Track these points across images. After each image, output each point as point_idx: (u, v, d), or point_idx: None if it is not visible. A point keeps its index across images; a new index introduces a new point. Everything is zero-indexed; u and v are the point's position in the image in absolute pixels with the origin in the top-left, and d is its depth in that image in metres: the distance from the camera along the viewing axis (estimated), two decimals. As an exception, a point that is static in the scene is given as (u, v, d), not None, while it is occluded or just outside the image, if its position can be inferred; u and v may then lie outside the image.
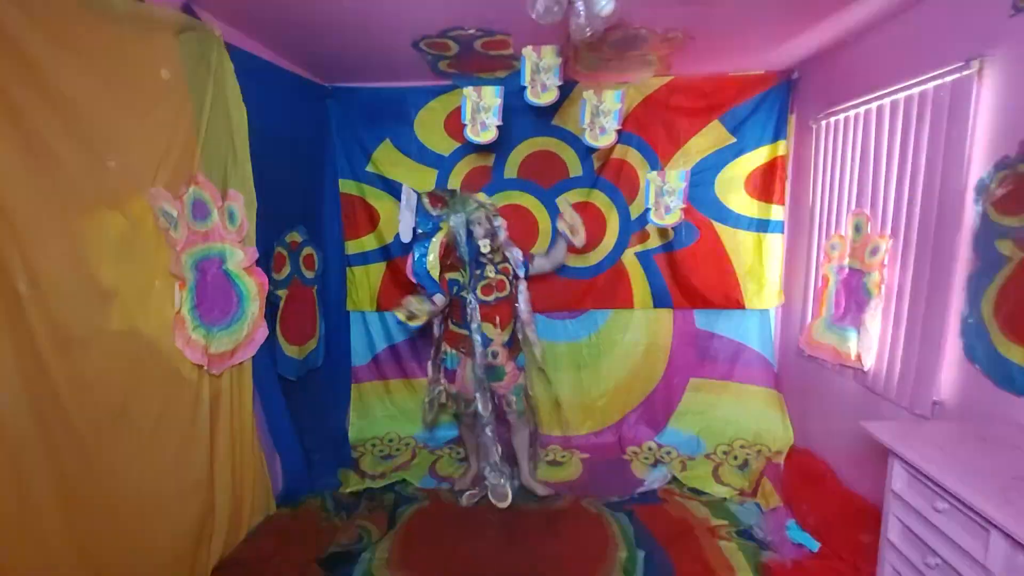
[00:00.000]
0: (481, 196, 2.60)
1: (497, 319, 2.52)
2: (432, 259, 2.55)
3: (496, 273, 2.54)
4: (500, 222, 2.60)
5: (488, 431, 2.50)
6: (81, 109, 1.49)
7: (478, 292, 2.49)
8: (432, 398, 2.75)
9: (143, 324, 1.69)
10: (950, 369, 1.76)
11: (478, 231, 2.48)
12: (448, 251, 2.58)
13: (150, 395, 1.72)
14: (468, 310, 2.47)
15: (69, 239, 1.47)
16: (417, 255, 2.58)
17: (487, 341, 2.50)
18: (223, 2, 1.95)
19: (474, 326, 2.46)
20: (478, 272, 2.50)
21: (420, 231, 2.63)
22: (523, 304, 2.64)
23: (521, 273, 2.60)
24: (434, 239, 2.58)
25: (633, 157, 2.96)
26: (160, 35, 1.77)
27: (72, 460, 1.47)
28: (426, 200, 2.64)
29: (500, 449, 2.53)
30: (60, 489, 1.43)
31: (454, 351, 2.57)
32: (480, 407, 2.48)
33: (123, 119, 1.63)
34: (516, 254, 2.60)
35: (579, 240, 2.61)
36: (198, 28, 1.90)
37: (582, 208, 3.05)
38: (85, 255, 1.51)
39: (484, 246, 2.47)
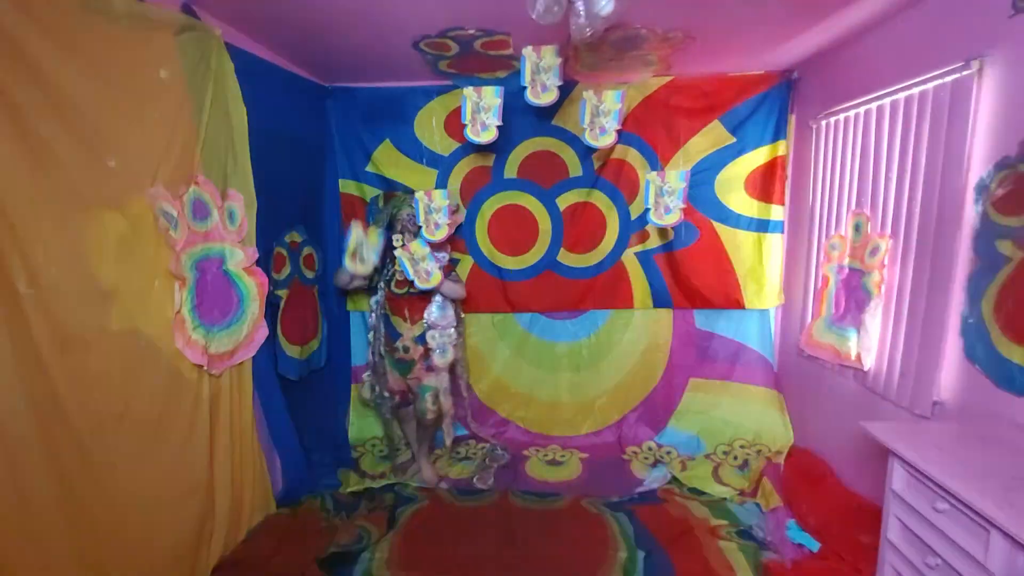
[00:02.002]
0: (437, 196, 2.50)
1: (406, 311, 2.58)
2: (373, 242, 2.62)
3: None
4: (439, 228, 2.53)
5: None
6: (81, 109, 1.49)
7: (392, 285, 2.58)
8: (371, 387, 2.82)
9: (143, 324, 1.69)
10: (950, 369, 1.76)
11: (396, 226, 2.59)
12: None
13: (150, 395, 1.72)
14: (373, 301, 2.65)
15: (69, 239, 1.47)
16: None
17: (395, 334, 2.59)
18: (223, 2, 1.95)
19: (381, 316, 2.61)
20: (391, 266, 2.60)
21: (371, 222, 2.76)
22: (435, 310, 2.60)
23: (423, 280, 2.50)
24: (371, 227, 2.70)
25: (633, 157, 2.96)
26: (159, 35, 1.77)
27: (72, 460, 1.47)
28: (381, 198, 2.92)
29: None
30: (60, 489, 1.43)
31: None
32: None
33: (123, 119, 1.63)
34: (440, 257, 2.55)
35: (364, 268, 2.52)
36: (198, 28, 1.90)
37: (582, 208, 3.06)
38: (85, 255, 1.51)
39: (396, 240, 2.54)
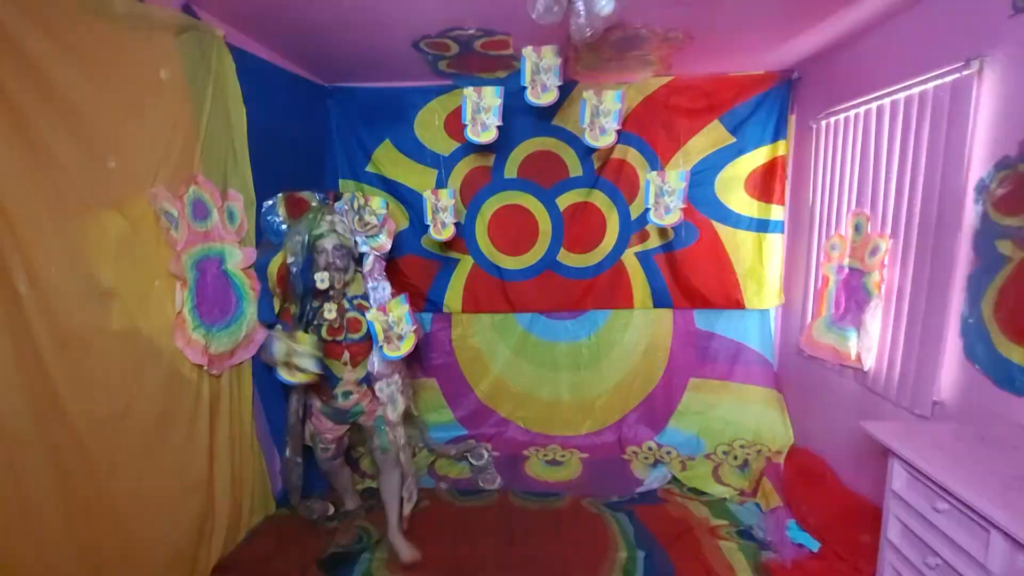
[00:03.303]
0: (375, 205, 2.12)
1: (346, 355, 2.12)
2: (271, 284, 2.15)
3: (351, 310, 2.12)
4: (371, 249, 2.16)
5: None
6: (81, 109, 1.50)
7: (322, 332, 2.09)
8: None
9: (143, 324, 1.69)
10: (950, 369, 1.76)
11: (319, 260, 2.05)
12: (283, 276, 2.12)
13: (150, 395, 1.72)
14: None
15: (69, 239, 1.47)
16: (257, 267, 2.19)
17: (333, 379, 2.12)
18: (223, 2, 1.95)
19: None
20: (315, 306, 2.10)
21: (264, 239, 2.23)
22: (378, 359, 2.13)
23: (392, 347, 2.09)
24: (274, 257, 2.15)
25: (633, 157, 2.96)
26: (160, 35, 1.77)
27: (72, 459, 1.47)
28: (283, 205, 2.22)
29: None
30: (60, 489, 1.43)
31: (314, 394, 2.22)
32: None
33: (123, 119, 1.63)
34: (383, 291, 2.13)
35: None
36: (198, 28, 1.90)
37: (582, 208, 3.06)
38: (85, 255, 1.51)
39: (320, 281, 2.02)
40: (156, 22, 1.74)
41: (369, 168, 3.06)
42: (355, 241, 2.16)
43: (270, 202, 2.23)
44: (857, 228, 2.23)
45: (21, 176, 1.34)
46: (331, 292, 2.09)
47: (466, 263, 3.13)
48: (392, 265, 3.12)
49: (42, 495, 1.39)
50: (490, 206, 3.09)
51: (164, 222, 1.75)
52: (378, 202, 2.17)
